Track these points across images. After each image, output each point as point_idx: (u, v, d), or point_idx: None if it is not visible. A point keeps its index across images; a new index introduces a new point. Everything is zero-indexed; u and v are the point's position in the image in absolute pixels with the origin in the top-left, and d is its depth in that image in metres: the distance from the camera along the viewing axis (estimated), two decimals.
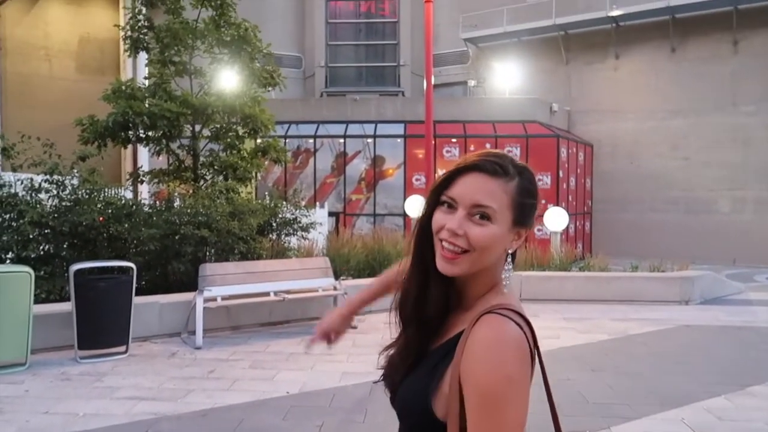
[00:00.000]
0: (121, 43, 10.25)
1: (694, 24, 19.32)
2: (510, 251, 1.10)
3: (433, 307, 1.11)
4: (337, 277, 7.98)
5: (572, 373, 5.60)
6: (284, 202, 9.35)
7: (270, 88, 10.09)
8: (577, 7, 20.72)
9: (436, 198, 1.11)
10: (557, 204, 16.31)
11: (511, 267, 1.12)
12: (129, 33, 9.38)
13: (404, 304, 1.16)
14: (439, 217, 1.08)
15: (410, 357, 1.13)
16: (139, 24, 9.39)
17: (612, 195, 20.54)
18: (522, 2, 22.30)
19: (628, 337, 7.20)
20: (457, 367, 1.00)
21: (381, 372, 1.21)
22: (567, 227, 12.97)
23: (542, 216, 12.58)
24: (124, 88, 8.92)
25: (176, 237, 7.56)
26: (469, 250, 1.04)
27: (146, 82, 9.55)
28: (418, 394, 1.06)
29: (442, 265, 1.07)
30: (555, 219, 11.93)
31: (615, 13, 19.80)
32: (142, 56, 10.31)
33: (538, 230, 16.48)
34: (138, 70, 12.83)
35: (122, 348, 6.17)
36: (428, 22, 5.70)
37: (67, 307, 6.13)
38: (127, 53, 9.82)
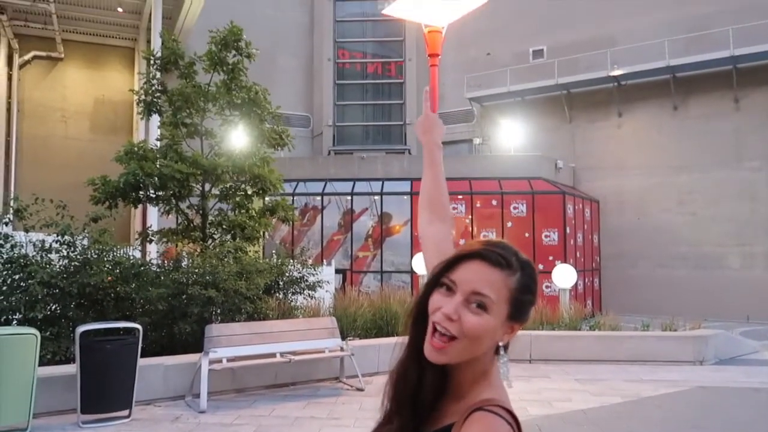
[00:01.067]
0: (135, 105, 10.56)
1: (695, 82, 19.70)
2: (501, 344, 1.10)
3: (429, 393, 1.11)
4: (343, 337, 7.90)
5: None
6: (291, 261, 9.37)
7: (279, 149, 10.29)
8: (579, 67, 21.23)
9: (436, 279, 1.11)
10: (565, 260, 16.23)
11: (506, 359, 1.11)
12: (143, 97, 9.67)
13: (399, 388, 1.14)
14: (437, 299, 1.08)
15: None
16: (153, 88, 9.68)
17: (620, 251, 20.45)
18: (525, 63, 22.91)
19: (641, 400, 7.02)
20: None
21: None
22: (575, 284, 12.87)
23: (551, 273, 12.52)
24: (136, 149, 9.12)
25: (183, 297, 7.55)
26: (459, 337, 1.04)
27: (158, 144, 9.77)
28: None
29: (429, 352, 1.06)
30: (563, 276, 11.85)
31: (616, 72, 20.26)
32: (155, 118, 10.59)
33: (547, 287, 16.34)
34: (150, 131, 13.15)
35: (125, 412, 6.07)
36: (433, 87, 5.79)
37: (72, 369, 6.08)
38: (141, 116, 10.10)
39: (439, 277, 1.10)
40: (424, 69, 23.91)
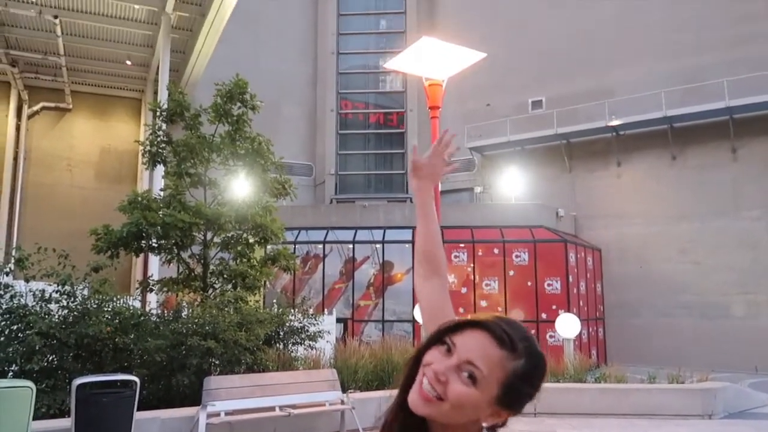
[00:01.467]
0: (140, 155, 10.71)
1: (692, 133, 19.96)
2: (485, 425, 1.07)
3: None
4: (344, 389, 7.76)
5: None
6: (292, 310, 9.30)
7: (282, 198, 10.37)
8: (578, 117, 21.57)
9: (439, 336, 1.10)
10: (568, 310, 16.09)
11: None
12: (148, 147, 9.82)
13: None
14: (433, 354, 1.07)
15: None
16: (159, 139, 9.84)
17: (623, 300, 20.27)
18: (524, 113, 23.30)
19: None
20: None
21: None
22: (579, 333, 12.70)
23: (554, 322, 12.38)
24: (140, 199, 9.20)
25: (182, 348, 7.46)
26: (443, 399, 1.02)
27: (162, 193, 9.86)
28: None
29: (412, 398, 1.05)
30: (567, 326, 11.73)
31: (614, 123, 20.57)
32: (159, 168, 10.72)
33: (551, 337, 16.14)
34: (154, 180, 13.28)
35: None
36: (434, 138, 5.90)
37: (67, 423, 5.96)
38: (145, 166, 10.23)
39: (443, 335, 1.09)
40: (424, 118, 24.31)
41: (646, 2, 21.18)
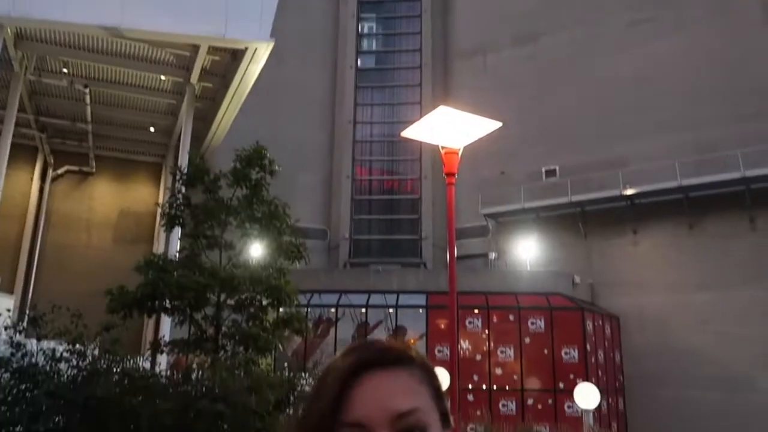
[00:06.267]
0: (158, 217, 10.89)
1: (709, 202, 19.89)
2: None
3: None
4: None
5: None
6: (304, 374, 9.13)
7: (296, 261, 10.39)
8: (592, 186, 21.65)
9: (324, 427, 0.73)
10: (587, 379, 15.58)
11: None
12: (167, 210, 9.99)
13: None
14: None
15: None
16: (178, 202, 10.03)
17: (644, 371, 19.63)
18: (538, 181, 23.47)
19: None
20: None
21: None
22: (599, 405, 12.24)
23: (572, 392, 11.97)
24: (155, 260, 9.28)
25: (191, 414, 7.31)
26: None
27: (177, 255, 9.94)
28: None
29: None
30: (586, 396, 11.31)
31: (629, 192, 20.62)
32: (177, 230, 10.86)
33: (569, 407, 15.58)
34: (171, 242, 13.43)
35: None
36: (450, 204, 6.02)
37: None
38: (164, 228, 10.38)
39: (330, 429, 0.73)
40: (439, 184, 24.56)
41: (660, 74, 21.64)
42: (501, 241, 23.94)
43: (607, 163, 21.67)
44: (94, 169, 21.07)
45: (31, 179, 20.14)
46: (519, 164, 24.19)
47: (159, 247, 17.84)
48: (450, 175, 6.28)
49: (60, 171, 20.62)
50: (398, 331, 18.41)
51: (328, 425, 0.72)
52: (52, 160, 20.46)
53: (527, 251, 21.67)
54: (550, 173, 23.66)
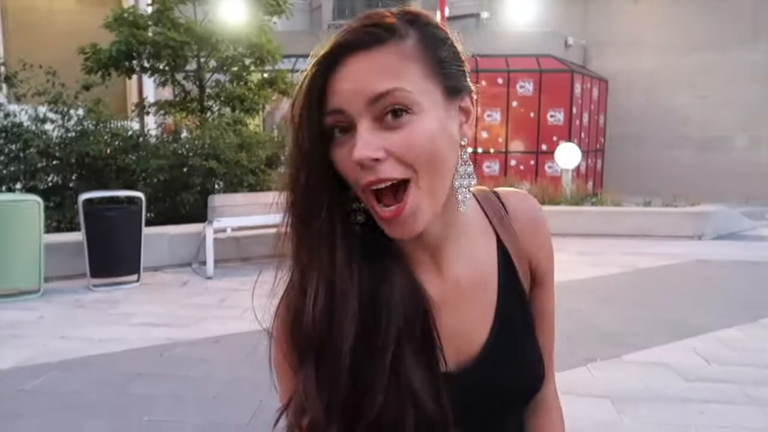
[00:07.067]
0: None
1: None
2: (464, 141, 0.73)
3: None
4: None
5: (584, 304, 5.59)
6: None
7: (276, 17, 9.72)
8: None
9: (315, 129, 0.68)
10: (569, 141, 16.02)
11: (470, 169, 0.74)
12: None
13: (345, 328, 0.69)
14: (342, 157, 0.67)
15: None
16: None
17: (626, 132, 20.12)
18: None
19: (640, 271, 7.17)
20: (525, 258, 0.85)
21: None
22: (578, 165, 12.74)
23: (554, 153, 12.38)
24: (126, 15, 8.61)
25: (184, 169, 7.48)
26: (408, 177, 0.66)
27: (149, 9, 9.20)
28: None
29: (392, 230, 0.69)
30: (567, 156, 11.75)
31: None
32: None
33: (549, 167, 16.27)
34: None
35: (134, 277, 6.20)
36: None
37: (78, 236, 6.13)
38: None
39: (318, 121, 0.67)
40: None
41: None
42: None
43: None
44: None
45: None
46: None
47: (127, 5, 16.56)
48: None
49: None
50: None
51: (315, 117, 0.67)
52: None
53: (521, 10, 20.51)
54: None
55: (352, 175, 0.67)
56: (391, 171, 0.65)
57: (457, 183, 0.73)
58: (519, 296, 0.83)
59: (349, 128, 0.67)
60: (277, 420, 0.74)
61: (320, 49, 0.69)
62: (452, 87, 0.71)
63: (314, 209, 0.70)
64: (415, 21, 0.70)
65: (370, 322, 0.69)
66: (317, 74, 0.68)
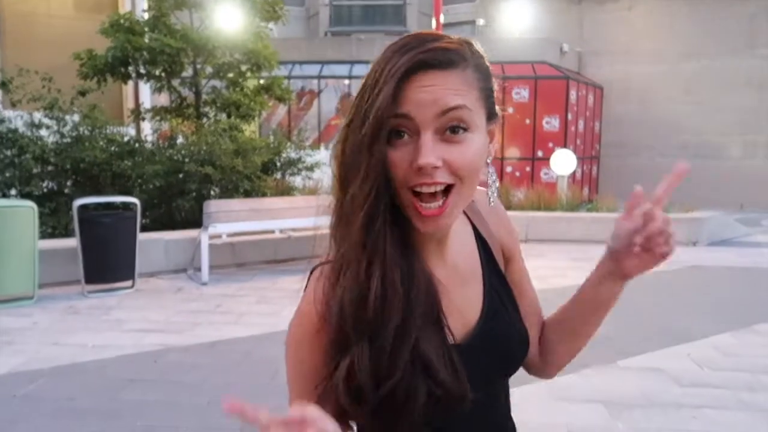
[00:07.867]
0: None
1: None
2: (489, 159, 0.85)
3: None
4: None
5: None
6: (288, 142, 9.20)
7: (272, 23, 9.75)
8: None
9: (377, 128, 0.74)
10: (565, 147, 16.06)
11: (495, 177, 0.91)
12: None
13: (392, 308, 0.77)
14: (398, 158, 0.75)
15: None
16: None
17: (621, 139, 20.20)
18: None
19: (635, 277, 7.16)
20: (496, 241, 1.00)
21: None
22: (574, 171, 12.77)
23: (549, 160, 12.41)
24: (122, 21, 8.63)
25: (180, 175, 7.48)
26: (454, 183, 0.76)
27: (145, 16, 9.23)
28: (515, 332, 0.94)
29: (424, 224, 0.78)
30: (563, 162, 11.78)
31: None
32: None
33: (545, 174, 16.32)
34: (136, 3, 12.41)
35: (129, 283, 6.19)
36: None
37: (73, 242, 6.11)
38: None
39: (381, 123, 0.74)
40: None
41: None
42: (490, 6, 22.61)
43: None
44: None
45: None
46: None
47: (124, 11, 16.59)
48: None
49: None
50: None
51: (381, 118, 0.74)
52: None
53: (517, 18, 20.63)
54: None
55: (403, 174, 0.76)
56: (443, 177, 0.75)
57: (489, 192, 0.93)
58: (498, 274, 0.97)
59: (410, 134, 0.76)
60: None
61: (396, 59, 0.75)
62: (491, 112, 0.83)
63: (374, 201, 0.76)
64: (473, 51, 0.81)
65: (405, 306, 0.78)
66: (395, 81, 0.74)
